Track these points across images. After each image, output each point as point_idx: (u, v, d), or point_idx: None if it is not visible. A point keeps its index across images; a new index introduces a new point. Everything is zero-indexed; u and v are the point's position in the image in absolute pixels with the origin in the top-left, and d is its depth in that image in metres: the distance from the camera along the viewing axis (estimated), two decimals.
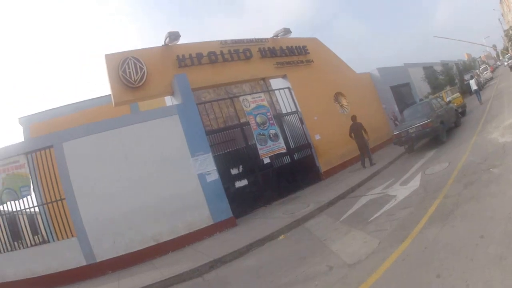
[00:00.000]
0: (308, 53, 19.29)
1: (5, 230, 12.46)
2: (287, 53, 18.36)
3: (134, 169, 12.23)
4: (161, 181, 12.39)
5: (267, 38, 18.15)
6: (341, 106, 20.53)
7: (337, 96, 20.45)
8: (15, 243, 13.77)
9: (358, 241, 7.50)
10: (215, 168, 13.23)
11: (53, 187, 11.89)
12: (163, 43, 14.93)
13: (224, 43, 16.41)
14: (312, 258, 7.47)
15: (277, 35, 18.34)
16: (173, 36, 14.70)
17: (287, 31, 18.34)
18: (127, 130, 12.48)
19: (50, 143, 11.99)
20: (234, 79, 16.50)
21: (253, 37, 17.54)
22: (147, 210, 11.99)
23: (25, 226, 13.69)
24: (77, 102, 21.51)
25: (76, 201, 11.58)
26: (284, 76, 18.07)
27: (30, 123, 20.47)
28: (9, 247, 12.22)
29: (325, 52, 20.73)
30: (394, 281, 5.17)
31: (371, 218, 8.88)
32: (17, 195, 11.85)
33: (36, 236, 17.09)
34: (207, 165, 13.10)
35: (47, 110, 21.16)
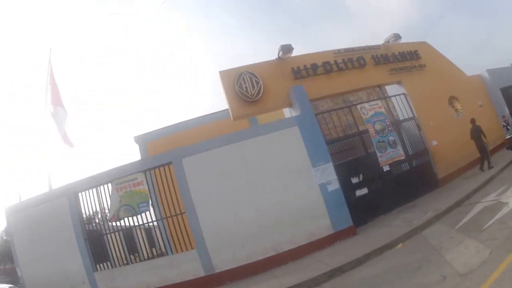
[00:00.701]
0: (420, 57, 18.49)
1: (122, 245, 12.87)
2: (400, 59, 17.67)
3: (255, 181, 12.26)
4: (282, 192, 12.30)
5: (379, 45, 17.54)
6: (456, 110, 19.52)
7: (451, 100, 19.45)
8: (131, 256, 14.08)
9: (471, 250, 7.46)
10: (336, 177, 12.89)
11: (172, 202, 12.15)
12: (277, 56, 14.93)
13: (337, 52, 16.06)
14: (427, 267, 7.45)
15: (388, 41, 17.77)
16: (286, 49, 14.70)
17: (397, 36, 17.73)
18: (247, 143, 12.58)
19: (169, 160, 12.36)
20: (350, 87, 16.14)
21: (365, 45, 17.12)
22: (267, 221, 11.95)
23: (143, 240, 13.94)
24: (193, 119, 22.05)
25: (197, 214, 11.84)
26: (398, 82, 17.39)
27: (146, 141, 21.24)
28: (124, 261, 12.69)
29: (435, 55, 19.83)
30: None
31: (485, 227, 8.70)
32: (135, 211, 12.26)
33: (154, 249, 17.46)
34: (328, 174, 12.81)
35: (163, 128, 21.88)
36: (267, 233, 11.84)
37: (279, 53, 14.79)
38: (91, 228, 13.39)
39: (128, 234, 15.04)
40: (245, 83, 13.87)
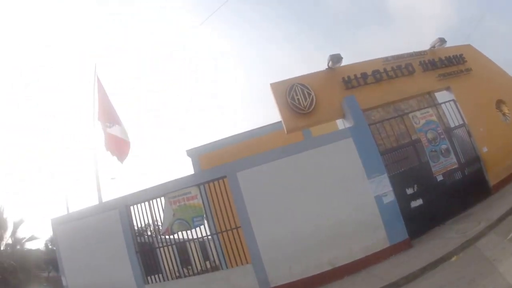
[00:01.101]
0: (466, 61, 18.02)
1: (175, 258, 12.94)
2: (446, 64, 17.21)
3: (311, 195, 12.13)
4: (337, 205, 12.14)
5: (425, 50, 17.18)
6: (503, 114, 19.12)
7: (498, 103, 19.03)
8: (184, 269, 14.06)
9: None
10: (391, 189, 12.65)
11: (227, 216, 12.13)
12: (327, 66, 14.71)
13: (386, 60, 15.76)
14: (480, 280, 7.42)
15: (433, 46, 17.42)
16: (335, 59, 14.47)
17: (442, 40, 17.28)
18: (302, 156, 12.44)
19: (223, 174, 12.32)
20: (400, 96, 15.81)
21: (412, 51, 16.82)
22: (323, 234, 11.79)
23: (196, 253, 13.92)
24: (246, 131, 22.02)
25: (252, 228, 11.80)
26: (447, 88, 17.01)
27: (199, 154, 21.29)
28: (177, 274, 12.83)
29: (481, 58, 19.36)
30: None
31: None
32: (189, 225, 12.29)
33: (207, 262, 17.46)
34: (384, 186, 12.59)
35: (215, 141, 21.91)
36: (323, 247, 11.69)
37: (328, 63, 14.58)
38: (142, 241, 13.46)
39: (182, 247, 15.02)
40: (297, 95, 13.74)
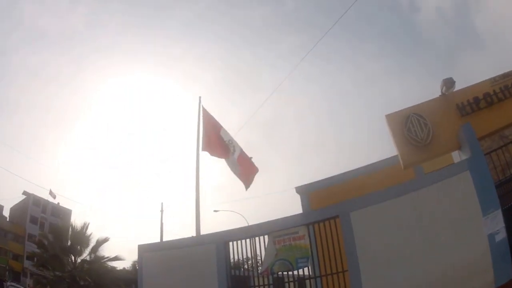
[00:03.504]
0: None
1: None
2: None
3: (425, 238, 10.98)
4: (452, 248, 10.85)
5: None
6: None
7: None
8: None
9: None
10: (504, 225, 11.35)
11: (334, 258, 11.26)
12: (441, 93, 13.55)
13: (494, 81, 14.52)
14: None
15: None
16: (449, 83, 13.22)
17: None
18: (418, 194, 11.33)
19: (336, 213, 11.43)
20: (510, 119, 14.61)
21: None
22: (435, 281, 10.60)
23: None
24: (356, 169, 21.21)
25: (361, 273, 10.76)
26: None
27: (309, 191, 20.78)
28: None
29: None
30: None
31: None
32: (292, 267, 11.55)
33: None
34: (497, 223, 11.04)
35: (326, 178, 21.32)
36: None
37: (442, 88, 13.38)
38: (237, 274, 13.16)
39: (279, 285, 14.40)
40: (413, 126, 12.66)
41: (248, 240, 12.36)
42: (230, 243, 12.57)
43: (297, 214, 12.22)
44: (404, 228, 11.10)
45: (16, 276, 53.42)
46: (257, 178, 16.71)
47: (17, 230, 70.01)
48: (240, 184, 16.21)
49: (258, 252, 12.31)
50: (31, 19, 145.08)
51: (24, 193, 76.04)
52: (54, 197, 73.27)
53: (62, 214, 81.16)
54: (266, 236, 12.08)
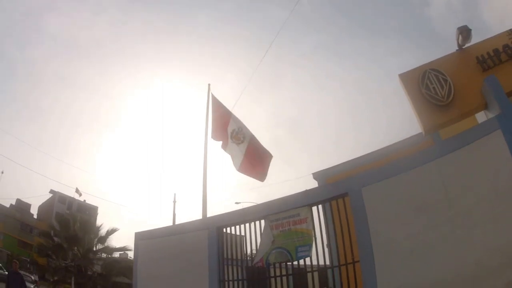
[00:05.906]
0: None
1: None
2: None
3: (455, 216, 8.55)
4: (487, 229, 8.23)
5: None
6: None
7: None
8: None
9: None
10: None
11: (344, 246, 9.31)
12: (457, 45, 11.46)
13: (510, 32, 12.51)
14: None
15: None
16: (465, 32, 11.05)
17: None
18: (446, 160, 9.08)
19: (344, 190, 9.32)
20: None
21: None
22: (467, 270, 8.18)
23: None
24: (372, 152, 20.02)
25: (374, 264, 8.64)
26: None
27: (326, 177, 19.74)
28: None
29: None
30: None
31: None
32: (290, 257, 9.72)
33: None
34: None
35: (344, 162, 20.53)
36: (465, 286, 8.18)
37: (458, 39, 11.32)
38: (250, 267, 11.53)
39: (301, 277, 12.39)
40: (431, 83, 10.61)
41: (243, 226, 10.98)
42: (224, 230, 11.41)
43: (298, 193, 10.10)
44: (428, 206, 8.83)
45: (40, 268, 53.58)
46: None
47: (42, 226, 70.74)
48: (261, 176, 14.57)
49: (254, 239, 10.72)
50: (59, 31, 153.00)
51: (51, 191, 79.41)
52: (80, 194, 74.84)
53: (88, 210, 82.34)
54: (263, 221, 10.45)
